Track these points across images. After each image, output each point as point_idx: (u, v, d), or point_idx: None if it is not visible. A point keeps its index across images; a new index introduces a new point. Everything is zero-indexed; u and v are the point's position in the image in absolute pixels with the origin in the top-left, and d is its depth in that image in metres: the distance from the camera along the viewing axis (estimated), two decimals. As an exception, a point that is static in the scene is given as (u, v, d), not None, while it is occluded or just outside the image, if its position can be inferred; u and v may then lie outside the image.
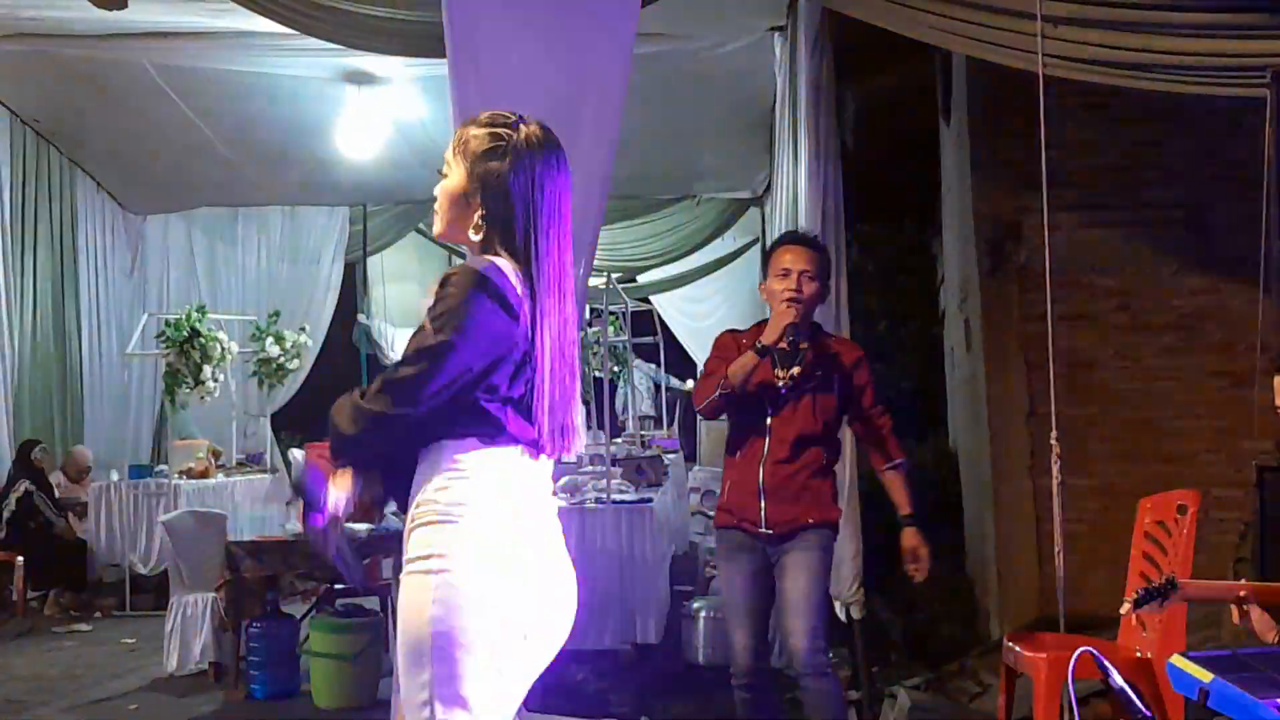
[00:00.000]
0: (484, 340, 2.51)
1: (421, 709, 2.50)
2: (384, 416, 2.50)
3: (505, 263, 2.59)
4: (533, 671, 2.65)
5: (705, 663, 7.07)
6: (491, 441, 2.58)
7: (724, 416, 4.78)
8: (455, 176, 2.68)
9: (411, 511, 2.61)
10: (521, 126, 2.67)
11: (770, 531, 4.48)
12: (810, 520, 4.47)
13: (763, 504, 4.48)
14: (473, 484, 2.56)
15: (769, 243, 5.34)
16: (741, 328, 4.90)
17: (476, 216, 2.63)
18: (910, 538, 4.59)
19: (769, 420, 4.53)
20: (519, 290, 2.57)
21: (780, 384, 4.53)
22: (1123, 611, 3.25)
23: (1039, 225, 5.45)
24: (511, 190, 2.61)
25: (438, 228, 2.73)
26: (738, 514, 4.54)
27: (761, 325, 4.62)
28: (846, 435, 5.11)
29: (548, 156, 2.67)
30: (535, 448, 2.63)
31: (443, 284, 2.55)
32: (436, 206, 2.72)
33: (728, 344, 4.69)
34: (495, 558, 2.54)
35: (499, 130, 2.66)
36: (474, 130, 2.68)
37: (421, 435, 2.58)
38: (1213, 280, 6.53)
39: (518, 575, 2.57)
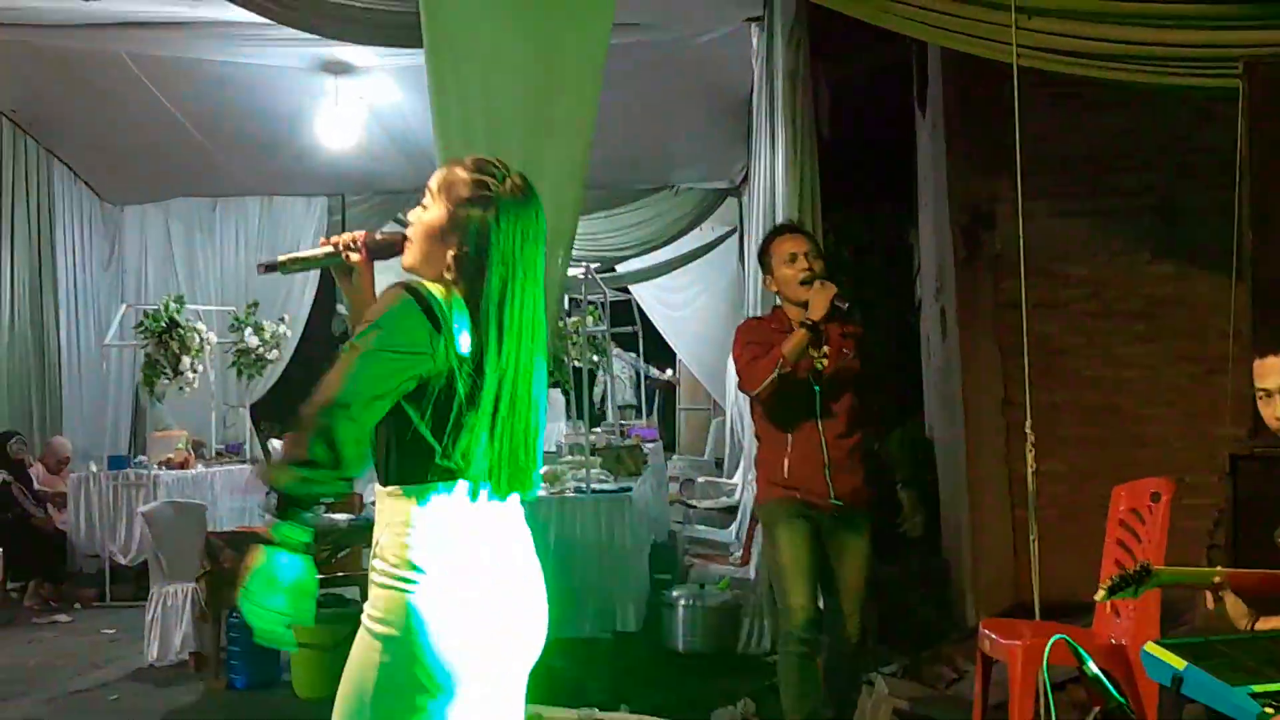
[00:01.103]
0: (401, 335, 2.49)
1: None
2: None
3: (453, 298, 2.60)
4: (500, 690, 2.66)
5: (685, 650, 7.11)
6: (438, 487, 2.54)
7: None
8: (435, 213, 2.67)
9: (373, 556, 2.58)
10: (507, 179, 2.68)
11: (840, 503, 4.67)
12: (869, 493, 4.75)
13: (829, 476, 4.65)
14: (422, 541, 2.51)
15: (759, 238, 5.40)
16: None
17: (450, 257, 2.62)
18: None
19: (818, 397, 4.69)
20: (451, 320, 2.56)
21: (818, 362, 4.68)
22: (1097, 598, 3.28)
23: (1013, 213, 5.49)
24: (491, 241, 2.61)
25: (408, 259, 2.72)
26: (803, 488, 4.67)
27: (780, 310, 4.86)
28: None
29: (528, 210, 2.68)
30: (483, 487, 2.59)
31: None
32: (411, 235, 2.71)
33: (759, 327, 4.91)
34: (448, 621, 2.50)
35: (486, 179, 2.66)
36: (460, 174, 2.68)
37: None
38: (1182, 267, 6.59)
39: (474, 621, 2.54)
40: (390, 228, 12.93)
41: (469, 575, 2.53)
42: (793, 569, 4.68)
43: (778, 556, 4.75)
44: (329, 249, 2.79)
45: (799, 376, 4.65)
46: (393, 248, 2.79)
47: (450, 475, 2.53)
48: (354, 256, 2.78)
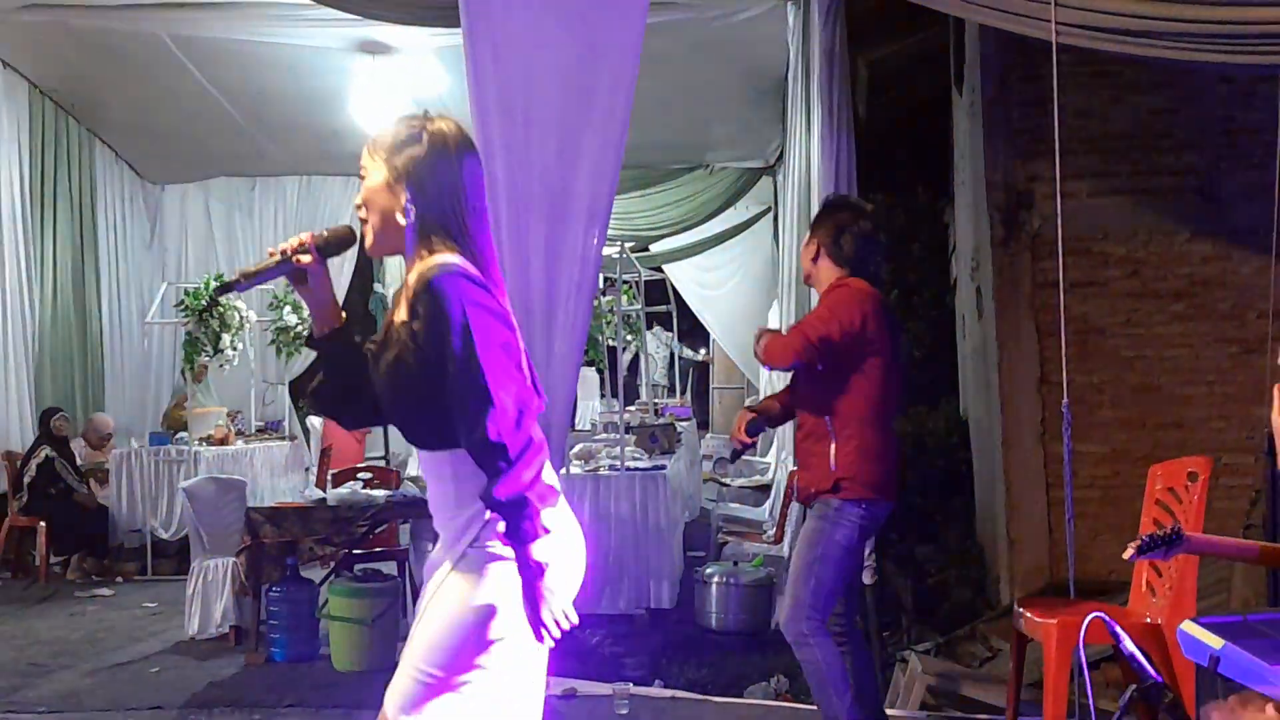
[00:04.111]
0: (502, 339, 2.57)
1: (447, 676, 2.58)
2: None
3: (457, 258, 2.62)
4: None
5: (718, 628, 7.15)
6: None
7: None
8: (376, 173, 2.71)
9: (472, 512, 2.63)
10: (434, 117, 2.73)
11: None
12: (820, 486, 4.53)
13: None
14: None
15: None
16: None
17: (405, 205, 2.66)
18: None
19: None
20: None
21: None
22: (1126, 556, 3.26)
23: (1051, 193, 5.47)
24: (437, 171, 2.66)
25: (368, 240, 2.75)
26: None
27: None
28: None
29: (462, 141, 2.72)
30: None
31: (428, 294, 2.57)
32: (362, 214, 2.74)
33: None
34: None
35: (411, 121, 2.72)
36: (387, 129, 2.74)
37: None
38: (1222, 247, 6.54)
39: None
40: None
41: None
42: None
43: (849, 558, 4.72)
44: (277, 257, 2.75)
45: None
46: (345, 240, 2.80)
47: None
48: (304, 259, 2.75)
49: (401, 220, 2.66)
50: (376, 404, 2.74)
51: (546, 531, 2.50)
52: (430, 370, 2.55)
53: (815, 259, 4.67)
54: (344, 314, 2.85)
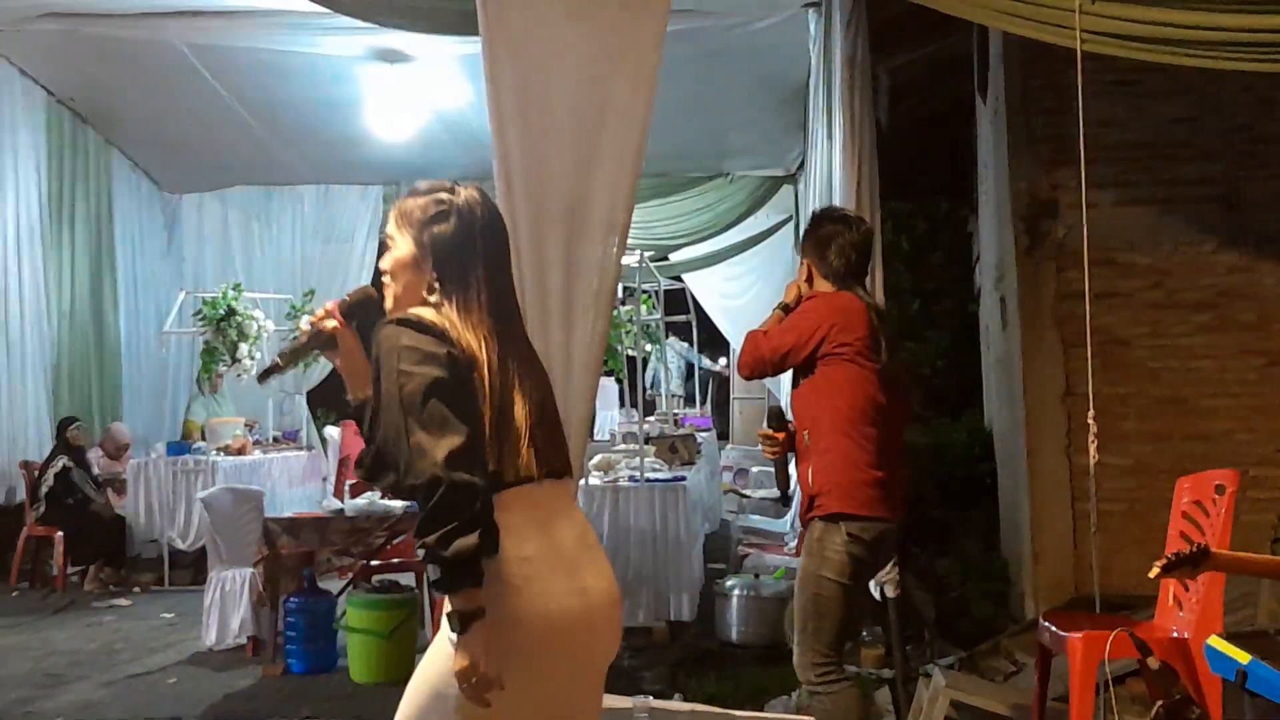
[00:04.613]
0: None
1: None
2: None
3: (440, 315, 2.64)
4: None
5: (738, 641, 7.10)
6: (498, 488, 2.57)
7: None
8: (403, 246, 2.74)
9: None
10: (460, 190, 2.76)
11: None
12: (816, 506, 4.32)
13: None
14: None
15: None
16: (774, 305, 4.81)
17: (431, 281, 2.69)
18: None
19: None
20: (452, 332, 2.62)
21: None
22: (1151, 575, 3.20)
23: (1075, 202, 5.42)
24: (464, 249, 2.70)
25: (389, 301, 2.77)
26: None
27: None
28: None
29: (489, 213, 2.77)
30: (530, 479, 2.63)
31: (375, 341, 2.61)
32: (386, 280, 2.78)
33: None
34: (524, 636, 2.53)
35: (440, 195, 2.74)
36: (414, 200, 2.77)
37: None
38: (1247, 258, 6.48)
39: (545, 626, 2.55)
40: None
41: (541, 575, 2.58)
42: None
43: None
44: (308, 330, 2.84)
45: None
46: (366, 303, 2.86)
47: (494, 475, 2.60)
48: (329, 325, 2.81)
49: (427, 296, 2.69)
50: None
51: (477, 581, 2.42)
52: (376, 414, 2.62)
53: (809, 280, 4.50)
54: None
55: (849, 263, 4.46)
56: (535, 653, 2.53)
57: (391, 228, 2.77)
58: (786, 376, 4.65)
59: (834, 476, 4.21)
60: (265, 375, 2.94)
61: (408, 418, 2.45)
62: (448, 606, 2.48)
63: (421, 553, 2.44)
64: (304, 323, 2.86)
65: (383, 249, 2.81)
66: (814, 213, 4.95)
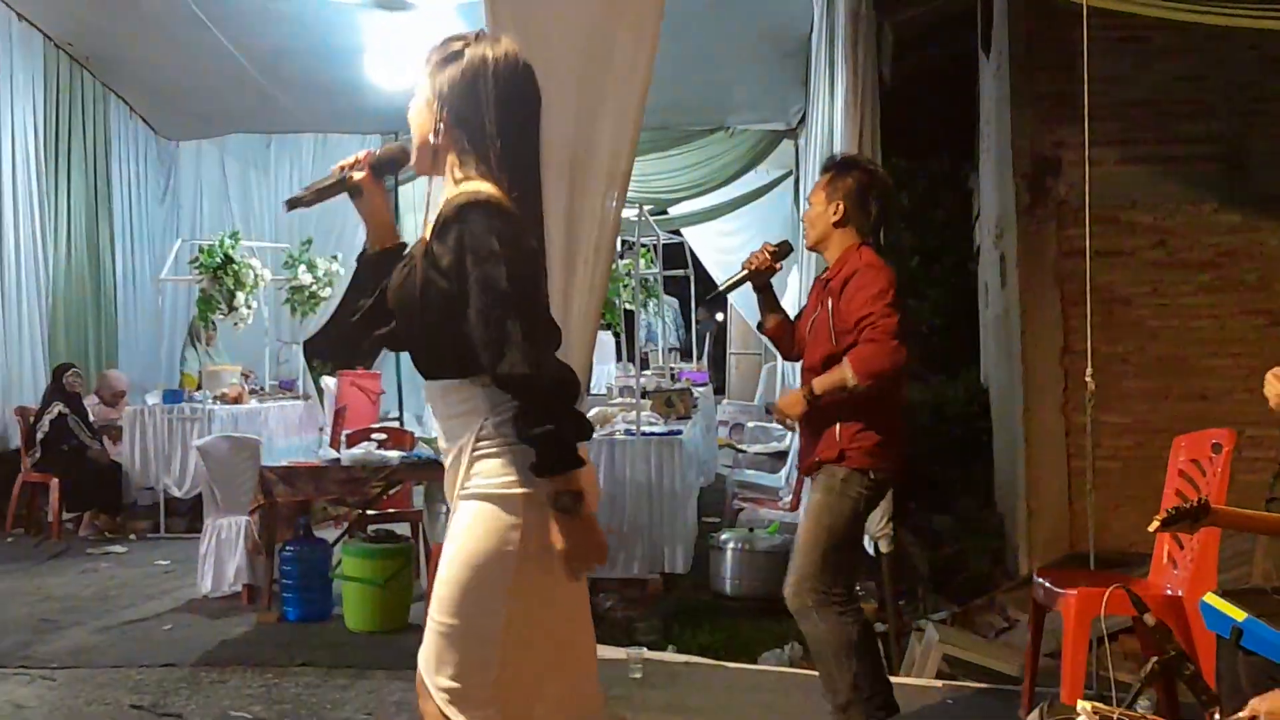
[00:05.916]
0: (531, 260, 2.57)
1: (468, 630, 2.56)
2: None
3: (488, 187, 2.57)
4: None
5: (732, 594, 7.12)
6: None
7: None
8: (422, 90, 2.69)
9: (467, 441, 2.60)
10: (484, 37, 2.68)
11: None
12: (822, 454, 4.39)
13: None
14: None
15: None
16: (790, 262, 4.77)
17: (436, 125, 2.63)
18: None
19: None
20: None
21: None
22: (1151, 529, 3.20)
23: (1078, 160, 5.39)
24: (472, 95, 2.61)
25: (412, 157, 2.74)
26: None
27: None
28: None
29: (506, 64, 2.65)
30: None
31: (456, 222, 2.53)
32: (414, 131, 2.72)
33: None
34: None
35: (458, 40, 2.68)
36: (435, 52, 2.70)
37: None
38: (1250, 217, 6.46)
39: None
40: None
41: None
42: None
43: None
44: (337, 174, 2.81)
45: None
46: (397, 158, 2.83)
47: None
48: (356, 176, 2.78)
49: (431, 140, 2.64)
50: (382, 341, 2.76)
51: (582, 463, 2.48)
52: (452, 299, 2.52)
53: (840, 223, 4.38)
54: (401, 240, 2.86)
55: (880, 216, 4.45)
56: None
57: (419, 84, 2.72)
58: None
59: (867, 434, 4.28)
60: (291, 205, 2.89)
61: (513, 306, 2.45)
62: (525, 489, 2.52)
63: (529, 442, 2.46)
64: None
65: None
66: (842, 157, 4.77)
